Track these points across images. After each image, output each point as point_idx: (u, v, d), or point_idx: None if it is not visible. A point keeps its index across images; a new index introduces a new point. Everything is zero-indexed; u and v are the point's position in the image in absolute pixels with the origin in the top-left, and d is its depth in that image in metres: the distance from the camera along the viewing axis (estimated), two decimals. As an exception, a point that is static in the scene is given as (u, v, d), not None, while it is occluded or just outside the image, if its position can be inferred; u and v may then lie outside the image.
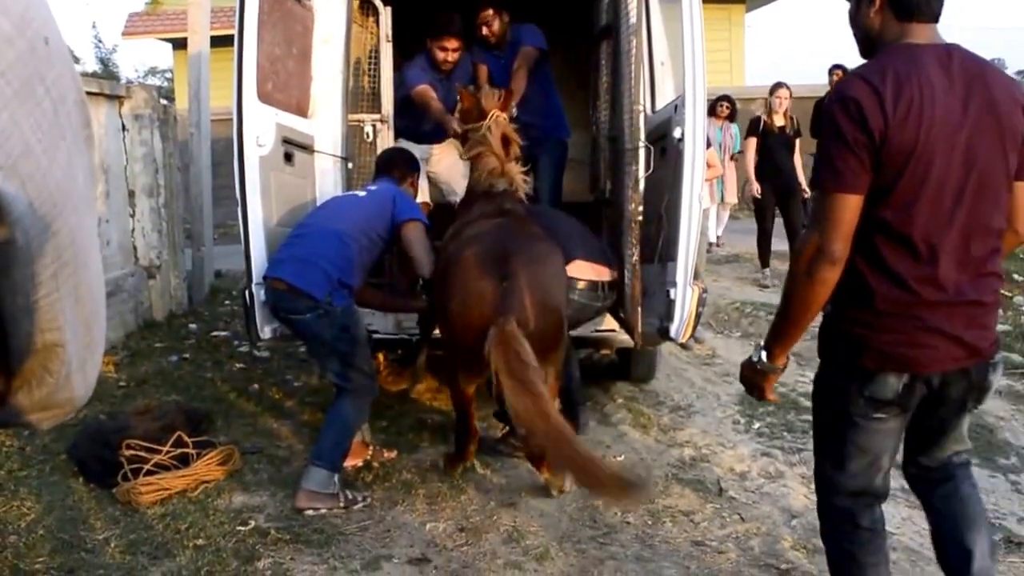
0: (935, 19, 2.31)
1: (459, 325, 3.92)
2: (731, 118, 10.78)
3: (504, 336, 3.54)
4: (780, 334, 2.52)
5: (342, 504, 4.11)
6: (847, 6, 2.47)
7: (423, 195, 5.41)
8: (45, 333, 1.01)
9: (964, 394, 2.47)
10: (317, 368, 5.28)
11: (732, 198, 11.31)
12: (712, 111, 10.19)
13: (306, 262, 4.14)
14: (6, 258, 0.91)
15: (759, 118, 9.49)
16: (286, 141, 4.65)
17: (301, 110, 4.88)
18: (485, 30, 5.89)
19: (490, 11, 5.85)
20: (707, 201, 10.00)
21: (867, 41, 2.43)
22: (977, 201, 2.29)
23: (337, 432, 4.21)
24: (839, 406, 2.50)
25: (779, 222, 9.42)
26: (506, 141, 4.71)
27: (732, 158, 10.76)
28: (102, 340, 1.16)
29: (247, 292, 4.35)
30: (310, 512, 4.06)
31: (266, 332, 4.40)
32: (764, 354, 2.58)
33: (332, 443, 4.19)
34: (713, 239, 10.90)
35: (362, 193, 4.56)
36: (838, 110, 2.25)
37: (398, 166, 4.73)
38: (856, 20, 2.45)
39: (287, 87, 4.72)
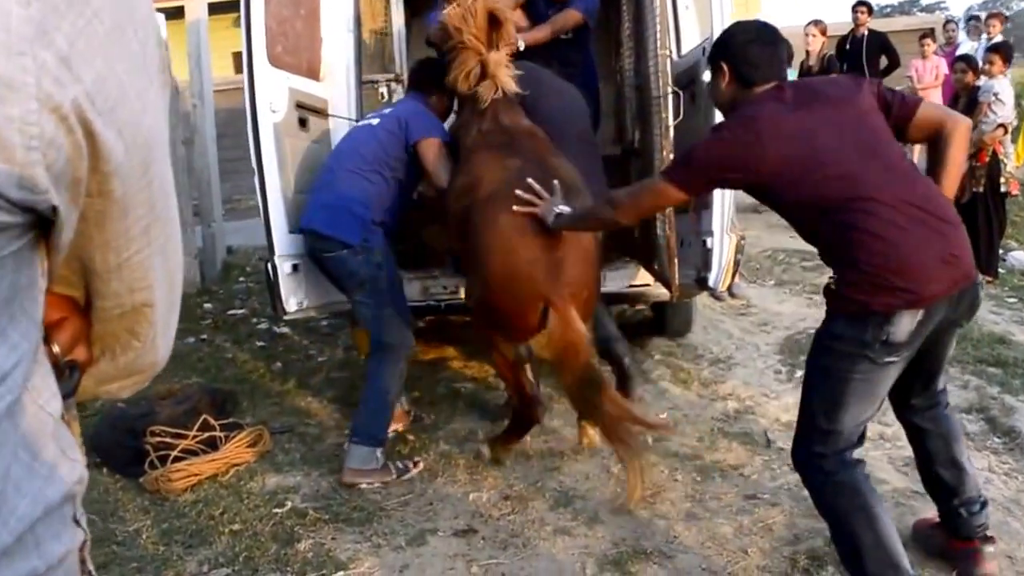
0: (773, 80, 2.83)
1: (506, 299, 3.61)
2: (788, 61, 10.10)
3: (565, 321, 3.43)
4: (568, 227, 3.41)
5: (394, 475, 4.00)
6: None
7: None
8: (135, 293, 0.96)
9: (959, 318, 2.74)
10: (349, 320, 5.01)
11: None
12: None
13: (336, 208, 4.06)
14: (102, 212, 0.86)
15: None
16: (299, 106, 4.49)
17: (312, 72, 4.71)
18: None
19: None
20: None
21: (726, 104, 2.98)
22: (872, 146, 2.68)
23: (374, 404, 4.07)
24: (852, 356, 2.64)
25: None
26: (494, 23, 4.25)
27: None
28: (180, 297, 1.07)
29: (269, 265, 4.20)
30: (364, 486, 3.96)
31: (291, 305, 4.26)
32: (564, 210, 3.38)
33: (370, 416, 4.06)
34: None
35: (375, 121, 4.34)
36: (715, 149, 2.80)
37: (425, 80, 4.47)
38: (714, 92, 3.04)
39: (296, 49, 4.55)
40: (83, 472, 0.92)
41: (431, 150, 4.19)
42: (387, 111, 4.40)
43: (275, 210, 4.20)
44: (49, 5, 0.73)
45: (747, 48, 2.86)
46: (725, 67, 2.91)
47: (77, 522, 0.91)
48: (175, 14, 8.63)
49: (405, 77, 5.18)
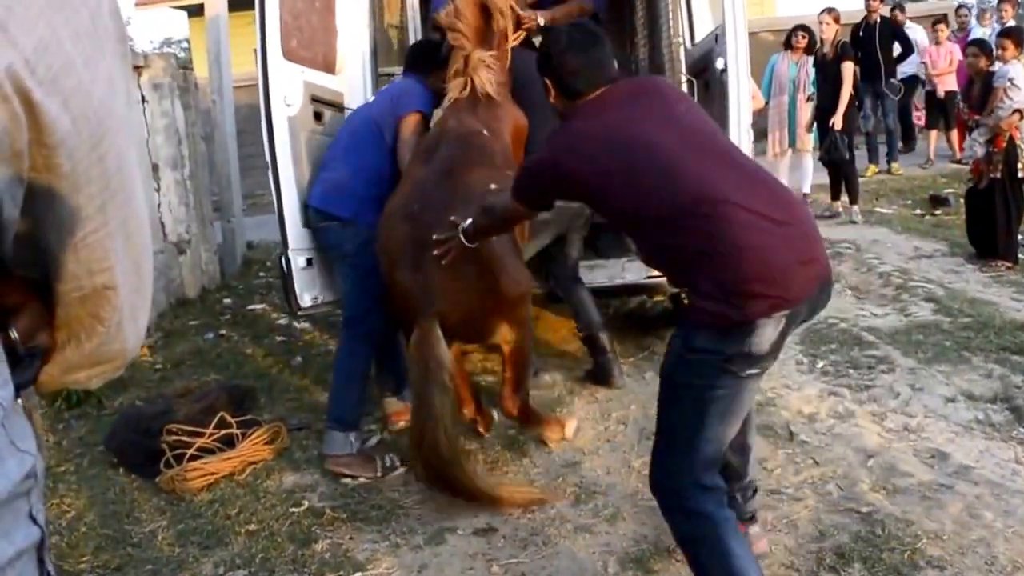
0: (600, 85, 2.74)
1: (394, 307, 3.88)
2: (808, 50, 9.41)
3: (422, 339, 3.51)
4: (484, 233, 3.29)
5: (378, 472, 3.99)
6: None
7: None
8: (95, 275, 0.91)
9: (809, 317, 2.65)
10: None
11: (806, 144, 9.49)
12: (788, 43, 9.65)
13: (332, 183, 4.14)
14: (51, 188, 0.82)
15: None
16: (315, 99, 4.48)
17: (328, 66, 4.70)
18: None
19: None
20: (775, 147, 9.61)
21: (561, 117, 2.93)
22: (710, 154, 2.55)
23: (340, 385, 4.11)
24: (714, 371, 2.45)
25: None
26: (487, 15, 4.28)
27: (808, 98, 9.33)
28: (151, 282, 1.03)
29: (284, 259, 4.18)
30: (347, 480, 3.97)
31: (306, 300, 4.28)
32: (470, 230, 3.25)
33: (337, 398, 4.09)
34: (807, 190, 9.63)
35: (372, 98, 4.44)
36: (542, 163, 2.82)
37: (419, 60, 4.50)
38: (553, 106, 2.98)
39: (312, 43, 4.55)
40: (37, 464, 0.88)
41: (408, 126, 4.22)
42: (385, 88, 4.49)
43: (289, 204, 4.20)
44: None
45: (562, 60, 2.79)
46: (548, 82, 2.86)
47: (33, 519, 0.87)
48: (197, 11, 8.62)
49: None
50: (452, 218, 3.38)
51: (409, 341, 3.64)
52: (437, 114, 4.41)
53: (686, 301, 2.68)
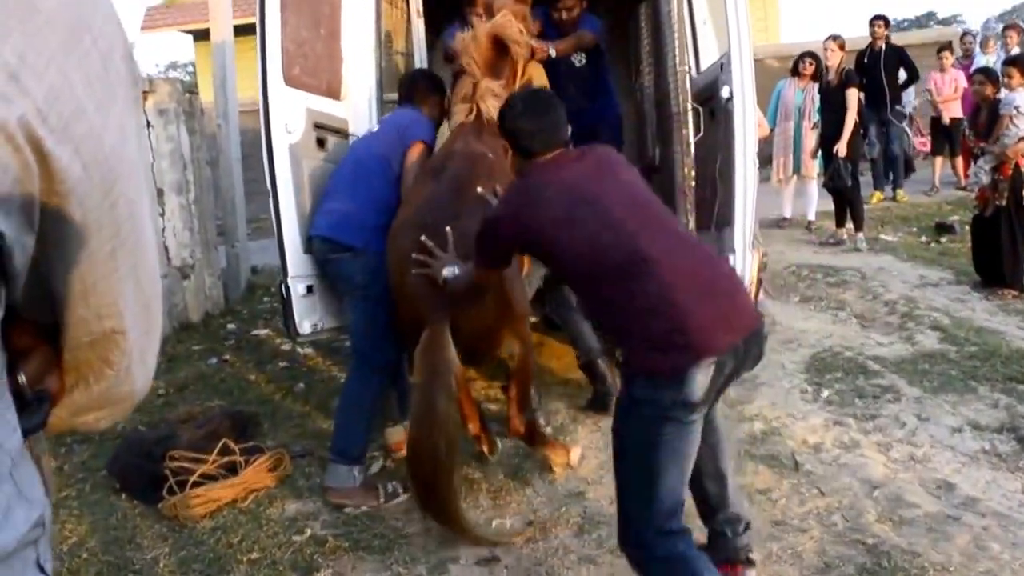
0: (553, 147, 2.98)
1: (400, 315, 3.90)
2: (815, 77, 9.56)
3: (431, 339, 3.53)
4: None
5: (381, 500, 3.98)
6: None
7: None
8: (104, 320, 0.91)
9: (745, 367, 2.76)
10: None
11: (811, 171, 9.68)
12: (794, 70, 9.73)
13: (341, 213, 4.12)
14: (60, 234, 0.81)
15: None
16: (318, 126, 4.49)
17: (332, 92, 4.72)
18: (565, 15, 5.57)
19: None
20: (779, 173, 9.65)
21: (517, 174, 3.16)
22: (648, 218, 2.77)
23: (344, 419, 4.10)
24: (657, 420, 2.59)
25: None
26: (500, 47, 4.39)
27: (814, 126, 9.47)
28: (159, 325, 1.03)
29: (283, 286, 4.19)
30: (350, 509, 3.94)
31: (305, 327, 4.26)
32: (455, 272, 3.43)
33: (344, 431, 4.07)
34: (811, 216, 9.86)
35: (376, 128, 4.43)
36: (496, 221, 3.01)
37: (415, 91, 4.53)
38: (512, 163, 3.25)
39: (316, 70, 4.57)
40: (45, 512, 0.87)
41: (415, 154, 4.25)
42: (387, 117, 4.48)
43: (289, 230, 4.21)
44: None
45: (518, 123, 3.03)
46: (506, 142, 3.14)
47: (41, 568, 0.86)
48: (202, 35, 8.69)
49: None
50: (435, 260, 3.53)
51: (414, 351, 3.64)
52: (444, 134, 4.45)
53: (620, 358, 2.80)
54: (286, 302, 4.24)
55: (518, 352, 3.82)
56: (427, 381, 3.50)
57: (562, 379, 5.37)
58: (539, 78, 4.72)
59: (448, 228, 3.55)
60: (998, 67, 8.20)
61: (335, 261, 4.12)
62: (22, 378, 0.90)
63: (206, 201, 8.02)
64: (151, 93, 7.04)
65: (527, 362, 3.89)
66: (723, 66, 4.14)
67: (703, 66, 4.76)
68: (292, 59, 4.34)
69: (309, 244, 4.24)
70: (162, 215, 7.15)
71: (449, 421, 3.49)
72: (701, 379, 2.53)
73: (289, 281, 4.20)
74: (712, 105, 4.29)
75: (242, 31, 8.49)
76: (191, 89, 7.97)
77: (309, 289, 4.28)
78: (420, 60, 5.26)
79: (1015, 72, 7.12)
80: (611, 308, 2.72)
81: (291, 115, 4.27)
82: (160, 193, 7.11)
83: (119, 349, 0.95)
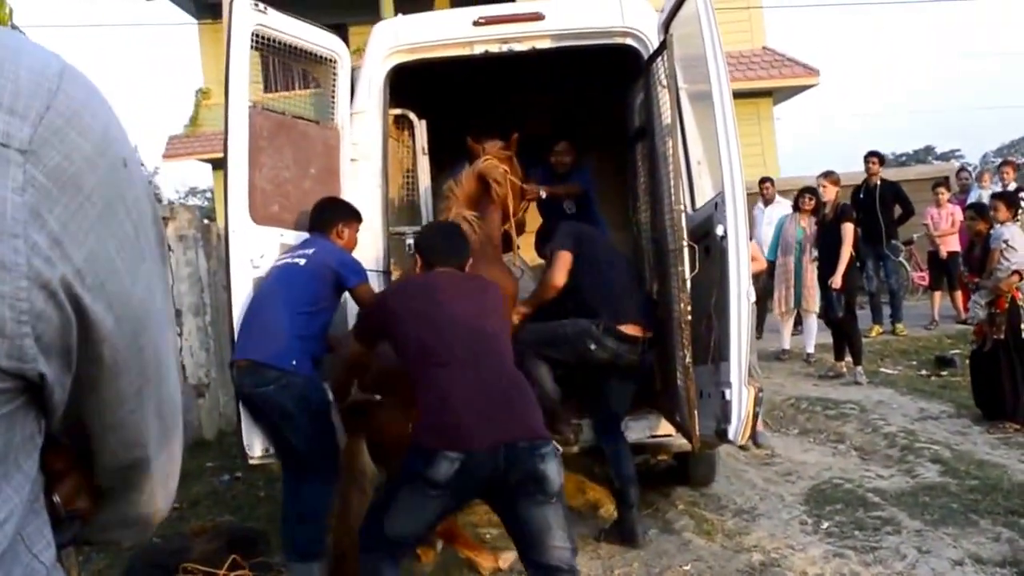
0: (451, 264, 3.71)
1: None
2: (815, 212, 9.71)
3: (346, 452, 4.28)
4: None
5: None
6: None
7: None
8: (131, 450, 1.03)
9: (519, 481, 3.05)
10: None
11: (813, 305, 9.72)
12: (795, 206, 9.95)
13: (269, 336, 4.15)
14: (94, 376, 0.92)
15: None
16: None
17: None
18: (558, 160, 6.23)
19: (564, 144, 6.22)
20: (780, 306, 9.83)
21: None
22: (478, 329, 3.35)
23: (307, 522, 4.14)
24: (409, 476, 3.13)
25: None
26: (484, 186, 4.89)
27: (814, 259, 9.59)
28: (180, 451, 1.16)
29: (237, 406, 4.32)
30: None
31: (256, 450, 4.32)
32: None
33: (300, 533, 4.13)
34: (810, 349, 10.09)
35: (302, 262, 4.39)
36: (379, 302, 3.81)
37: (323, 220, 4.59)
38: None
39: (300, 206, 4.73)
40: None
41: (367, 294, 4.39)
42: (308, 251, 4.43)
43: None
44: (43, 191, 0.81)
45: (429, 241, 3.92)
46: (418, 256, 3.90)
47: None
48: (220, 164, 9.00)
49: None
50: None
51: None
52: None
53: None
54: (238, 425, 4.32)
55: None
56: (346, 484, 4.24)
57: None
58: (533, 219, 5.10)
59: None
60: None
61: (262, 395, 4.13)
62: (57, 499, 1.01)
63: (222, 323, 8.21)
64: (172, 220, 7.35)
65: None
66: (717, 205, 4.25)
67: (699, 203, 4.91)
68: (269, 198, 4.56)
69: (232, 367, 4.31)
70: (180, 335, 7.35)
71: (361, 516, 3.80)
72: (445, 466, 2.98)
73: (241, 405, 4.29)
74: (707, 242, 4.40)
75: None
76: (209, 215, 8.29)
77: None
78: (425, 194, 5.50)
79: (1001, 206, 7.30)
80: (416, 388, 3.27)
81: (263, 250, 4.48)
82: (178, 314, 7.33)
83: (144, 475, 1.06)
